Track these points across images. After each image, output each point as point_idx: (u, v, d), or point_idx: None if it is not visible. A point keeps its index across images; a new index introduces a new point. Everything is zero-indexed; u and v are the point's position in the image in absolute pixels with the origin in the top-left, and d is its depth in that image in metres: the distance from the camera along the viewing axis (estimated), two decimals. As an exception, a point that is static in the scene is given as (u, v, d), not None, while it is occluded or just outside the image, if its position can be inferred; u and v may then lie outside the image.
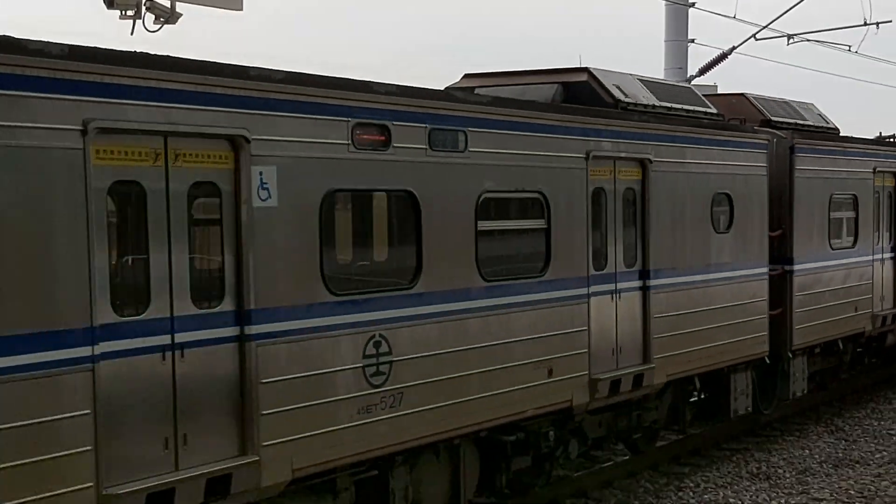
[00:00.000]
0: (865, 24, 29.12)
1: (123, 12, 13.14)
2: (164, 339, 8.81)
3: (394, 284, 10.95)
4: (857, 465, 16.71)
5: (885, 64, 35.53)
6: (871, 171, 20.48)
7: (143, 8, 13.11)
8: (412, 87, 11.06)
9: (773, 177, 17.49)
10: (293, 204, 9.74)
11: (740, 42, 28.42)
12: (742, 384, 17.10)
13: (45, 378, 7.96)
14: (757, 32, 28.45)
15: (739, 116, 18.08)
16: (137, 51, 8.68)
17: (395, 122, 10.72)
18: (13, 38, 7.84)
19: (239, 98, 9.27)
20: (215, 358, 9.20)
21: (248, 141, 9.28)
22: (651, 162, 14.36)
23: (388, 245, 11.53)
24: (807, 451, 17.54)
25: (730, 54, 28.20)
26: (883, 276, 21.12)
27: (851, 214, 19.97)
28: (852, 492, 15.17)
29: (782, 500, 14.81)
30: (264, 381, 9.48)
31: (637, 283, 14.40)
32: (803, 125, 19.35)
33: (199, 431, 9.05)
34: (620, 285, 14.09)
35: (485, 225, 11.88)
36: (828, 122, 20.47)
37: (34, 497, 7.88)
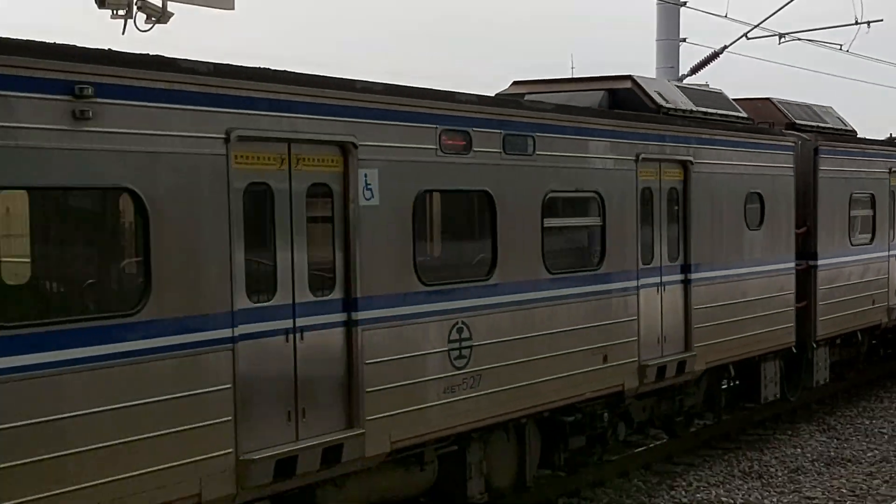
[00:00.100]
0: (857, 23, 29.26)
1: (115, 12, 13.20)
2: (287, 323, 9.91)
3: (473, 275, 12.05)
4: (849, 464, 16.77)
5: (877, 63, 36.16)
6: (887, 171, 21.58)
7: (135, 7, 13.20)
8: (489, 96, 12.17)
9: (799, 177, 18.59)
10: (391, 203, 10.84)
11: (732, 41, 28.70)
12: (771, 372, 18.20)
13: (196, 356, 9.05)
14: (748, 31, 28.63)
15: (766, 120, 19.16)
16: (266, 67, 9.75)
17: (474, 129, 11.84)
18: (167, 57, 8.92)
19: (348, 108, 10.39)
20: (328, 340, 10.31)
21: (355, 146, 10.38)
22: (692, 164, 15.47)
23: (468, 240, 12.64)
24: (799, 450, 17.60)
25: (721, 53, 28.48)
26: None
27: (869, 212, 21.09)
28: (844, 490, 15.27)
29: (774, 499, 14.90)
30: (368, 361, 10.57)
31: (679, 277, 15.51)
32: (825, 128, 20.39)
33: (315, 406, 10.15)
34: (665, 278, 15.18)
35: (549, 222, 12.98)
36: (846, 125, 21.55)
37: (187, 460, 8.97)
